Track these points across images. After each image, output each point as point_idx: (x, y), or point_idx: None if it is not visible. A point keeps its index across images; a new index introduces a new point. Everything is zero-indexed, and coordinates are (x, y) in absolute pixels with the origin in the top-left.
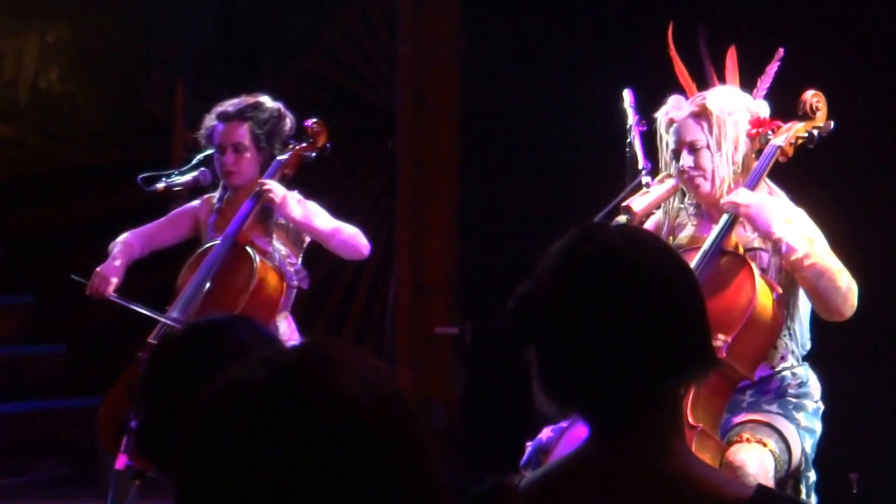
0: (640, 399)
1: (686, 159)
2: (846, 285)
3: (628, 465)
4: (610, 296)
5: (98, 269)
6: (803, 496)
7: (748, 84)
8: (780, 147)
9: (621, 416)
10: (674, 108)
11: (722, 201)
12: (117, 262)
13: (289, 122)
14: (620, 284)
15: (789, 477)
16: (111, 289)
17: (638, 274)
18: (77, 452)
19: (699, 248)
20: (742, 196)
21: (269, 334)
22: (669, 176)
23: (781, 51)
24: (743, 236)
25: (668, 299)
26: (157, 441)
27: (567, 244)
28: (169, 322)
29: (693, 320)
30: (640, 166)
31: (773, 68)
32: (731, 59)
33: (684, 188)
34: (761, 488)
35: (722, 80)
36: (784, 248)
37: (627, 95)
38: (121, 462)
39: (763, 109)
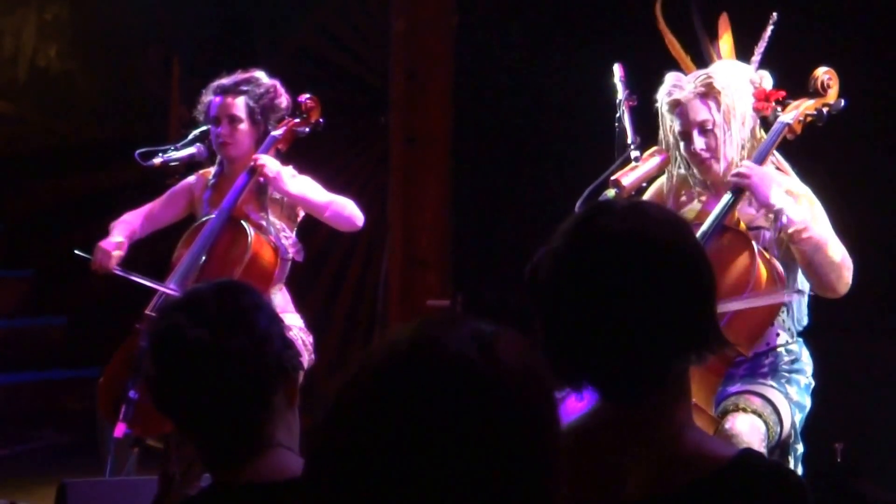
0: (644, 376)
1: (698, 142)
2: (842, 262)
3: (631, 433)
4: (615, 273)
5: (99, 244)
6: (790, 467)
7: (743, 50)
8: (788, 124)
9: (625, 391)
10: (677, 88)
11: (729, 176)
12: (118, 237)
13: (284, 98)
14: (626, 262)
15: (777, 447)
16: (114, 262)
17: (645, 252)
18: (77, 422)
19: (702, 223)
20: (745, 168)
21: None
22: (659, 151)
23: (775, 14)
24: (747, 214)
25: (674, 279)
26: (172, 397)
27: (577, 219)
28: (168, 291)
29: (700, 300)
30: (629, 141)
31: (767, 33)
32: (724, 26)
33: (695, 169)
34: (747, 450)
35: (716, 50)
36: (783, 220)
37: (617, 70)
38: (119, 430)
39: (766, 80)
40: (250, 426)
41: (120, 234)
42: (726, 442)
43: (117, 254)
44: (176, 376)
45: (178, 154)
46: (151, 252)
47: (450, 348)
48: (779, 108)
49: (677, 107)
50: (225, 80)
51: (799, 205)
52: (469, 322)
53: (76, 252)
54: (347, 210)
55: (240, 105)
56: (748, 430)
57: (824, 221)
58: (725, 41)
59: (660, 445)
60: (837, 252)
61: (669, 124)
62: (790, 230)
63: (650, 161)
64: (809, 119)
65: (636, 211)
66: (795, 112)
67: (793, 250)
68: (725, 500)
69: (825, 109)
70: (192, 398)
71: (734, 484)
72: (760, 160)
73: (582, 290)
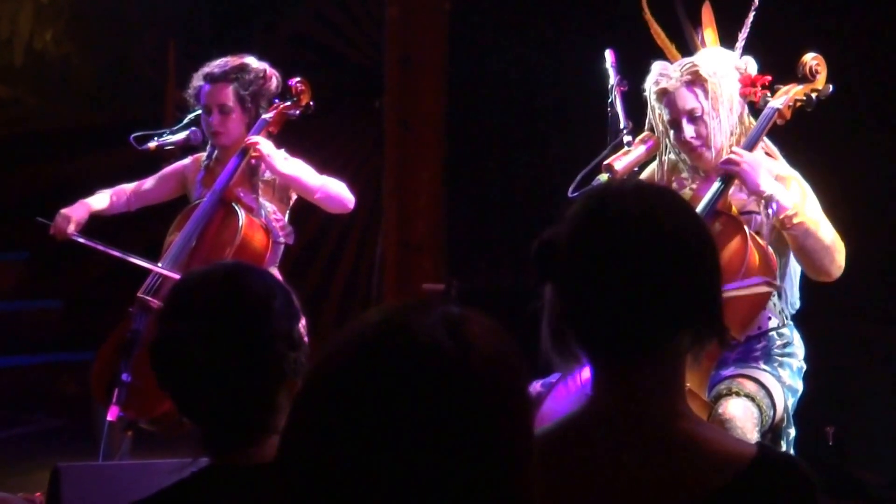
0: (643, 342)
1: (688, 130)
2: (833, 245)
3: (633, 428)
4: (627, 243)
5: (61, 210)
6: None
7: (726, 37)
8: (777, 110)
9: (625, 356)
10: (664, 77)
11: (720, 164)
12: (82, 206)
13: (275, 81)
14: (639, 234)
15: (769, 431)
16: (72, 227)
17: (656, 225)
18: (72, 405)
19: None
20: (735, 154)
21: (286, 286)
22: (650, 135)
23: (756, 0)
24: (739, 199)
25: (682, 255)
26: (168, 358)
27: (593, 194)
28: (158, 270)
29: (704, 280)
30: (622, 126)
31: (749, 19)
32: (707, 16)
33: (686, 157)
34: (763, 447)
35: (701, 40)
36: (774, 206)
37: (609, 56)
38: (112, 413)
39: (751, 66)
40: (252, 421)
41: (88, 203)
42: (721, 427)
43: (76, 220)
44: (173, 387)
45: (172, 138)
46: (143, 234)
47: (419, 332)
48: (768, 94)
49: (665, 96)
50: (215, 68)
51: (789, 190)
52: (440, 306)
53: (38, 219)
54: (338, 192)
55: (229, 94)
56: (741, 414)
57: (815, 205)
58: (709, 29)
59: (657, 445)
60: (829, 235)
61: (658, 113)
62: (781, 216)
63: (642, 146)
64: (799, 104)
65: (650, 191)
66: (785, 97)
67: (784, 236)
68: (752, 501)
69: (814, 95)
70: (190, 403)
71: (756, 487)
72: (751, 146)
73: (597, 262)
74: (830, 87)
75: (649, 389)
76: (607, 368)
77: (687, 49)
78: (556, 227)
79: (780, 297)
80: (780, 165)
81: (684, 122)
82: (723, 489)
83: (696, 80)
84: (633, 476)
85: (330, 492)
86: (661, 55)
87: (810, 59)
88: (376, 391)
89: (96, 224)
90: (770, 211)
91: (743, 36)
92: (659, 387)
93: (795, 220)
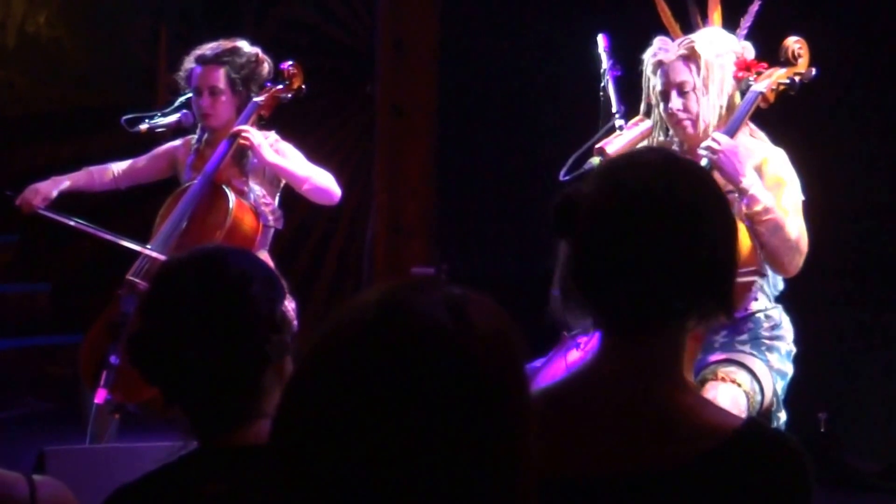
0: (651, 308)
1: (675, 102)
2: (798, 246)
3: (630, 392)
4: (646, 214)
5: (33, 184)
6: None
7: (730, 24)
8: (761, 93)
9: (634, 327)
10: (662, 50)
11: (699, 148)
12: (53, 181)
13: (266, 65)
14: (659, 206)
15: (759, 416)
16: (38, 200)
17: (678, 198)
18: (61, 388)
19: None
20: (715, 141)
21: (268, 266)
22: (643, 119)
23: None
24: (722, 178)
25: (701, 231)
26: (149, 353)
27: (619, 160)
28: (147, 252)
29: (720, 257)
30: (614, 110)
31: (754, 7)
32: (714, 1)
33: (671, 129)
34: (752, 420)
35: (705, 21)
36: (745, 200)
37: (601, 40)
38: (100, 396)
39: (748, 51)
40: (237, 405)
41: (61, 178)
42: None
43: (45, 193)
44: (156, 381)
45: (164, 120)
46: (133, 216)
47: (419, 312)
48: (751, 78)
49: (660, 67)
50: (206, 51)
51: (772, 188)
52: (439, 286)
53: (7, 192)
54: (326, 184)
55: (220, 76)
56: (729, 403)
57: (794, 191)
58: (715, 13)
59: (654, 411)
60: (793, 234)
61: (652, 85)
62: (753, 208)
63: (634, 129)
64: (782, 88)
65: (679, 164)
66: (768, 81)
67: (751, 229)
68: (732, 473)
69: (797, 78)
70: (174, 393)
71: (740, 456)
72: (733, 130)
73: (615, 230)
74: (813, 70)
75: (652, 358)
76: (613, 335)
77: (691, 30)
78: (579, 185)
79: (762, 277)
80: (765, 146)
81: (674, 94)
82: (705, 455)
83: (690, 56)
84: (621, 438)
85: (326, 474)
86: (660, 34)
87: (792, 42)
88: (376, 371)
89: (88, 206)
90: (743, 202)
91: (746, 24)
92: (661, 356)
93: (765, 217)
